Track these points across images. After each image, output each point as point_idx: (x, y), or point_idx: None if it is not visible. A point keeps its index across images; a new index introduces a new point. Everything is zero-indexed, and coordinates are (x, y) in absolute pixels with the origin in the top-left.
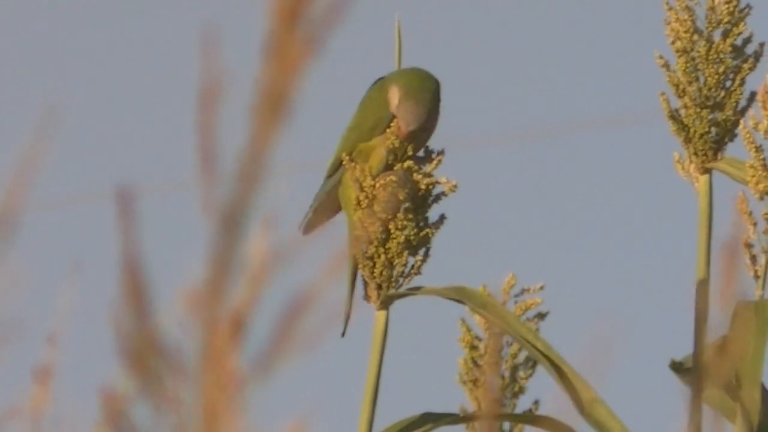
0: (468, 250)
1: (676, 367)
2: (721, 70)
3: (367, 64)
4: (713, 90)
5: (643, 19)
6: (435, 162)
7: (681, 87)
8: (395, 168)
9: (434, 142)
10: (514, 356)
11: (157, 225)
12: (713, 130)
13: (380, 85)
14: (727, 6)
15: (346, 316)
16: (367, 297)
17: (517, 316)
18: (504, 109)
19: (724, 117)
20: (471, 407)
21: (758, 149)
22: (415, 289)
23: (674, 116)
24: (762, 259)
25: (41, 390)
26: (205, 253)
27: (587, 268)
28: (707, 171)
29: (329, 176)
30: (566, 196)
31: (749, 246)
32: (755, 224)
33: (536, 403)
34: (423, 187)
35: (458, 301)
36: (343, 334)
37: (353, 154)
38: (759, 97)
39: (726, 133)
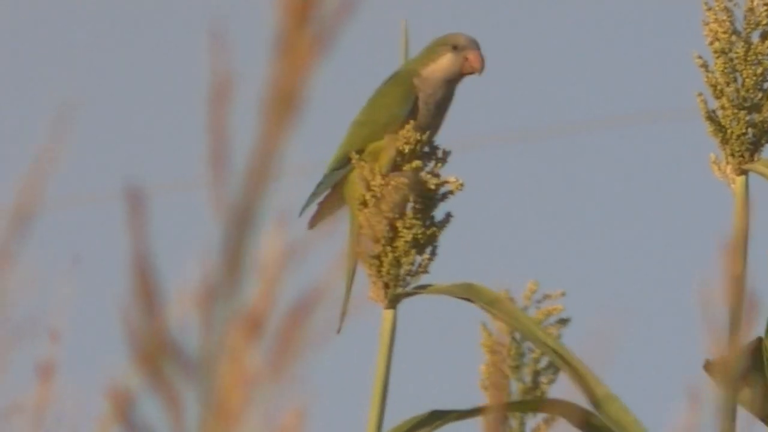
0: (476, 248)
1: (710, 367)
2: (759, 71)
3: (365, 62)
4: (751, 91)
5: (681, 18)
6: (441, 161)
7: (719, 88)
8: (404, 168)
9: (449, 140)
10: (537, 361)
11: (167, 224)
12: (750, 131)
13: (396, 79)
14: (766, 7)
15: (342, 312)
16: (372, 296)
17: (538, 321)
18: (526, 106)
19: (761, 118)
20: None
21: None
22: (423, 288)
23: (711, 117)
24: None
25: (44, 386)
26: (215, 252)
27: (613, 268)
28: (744, 172)
29: (334, 170)
30: (590, 195)
31: None
32: None
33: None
34: (431, 186)
35: (466, 299)
36: (339, 330)
37: (363, 153)
38: None
39: (763, 135)
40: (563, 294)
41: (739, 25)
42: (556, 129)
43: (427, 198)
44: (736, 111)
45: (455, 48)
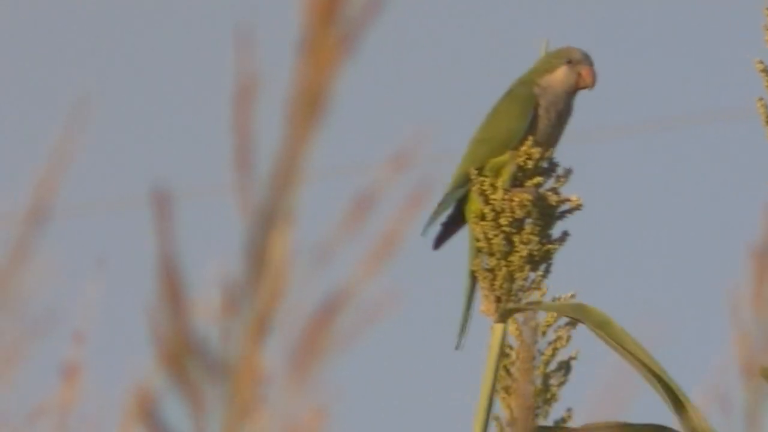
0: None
1: (766, 373)
2: None
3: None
4: None
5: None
6: (563, 179)
7: None
8: (526, 184)
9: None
10: (547, 363)
11: (194, 227)
12: None
13: (513, 95)
14: None
15: (461, 329)
16: (484, 309)
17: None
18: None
19: None
20: (503, 415)
21: None
22: (535, 304)
23: None
24: None
25: (69, 387)
26: (240, 254)
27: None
28: None
29: (455, 188)
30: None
31: None
32: None
33: (569, 410)
34: (552, 203)
35: (576, 319)
36: (457, 347)
37: (483, 170)
38: None
39: None
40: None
41: None
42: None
43: (547, 215)
44: None
45: (569, 62)
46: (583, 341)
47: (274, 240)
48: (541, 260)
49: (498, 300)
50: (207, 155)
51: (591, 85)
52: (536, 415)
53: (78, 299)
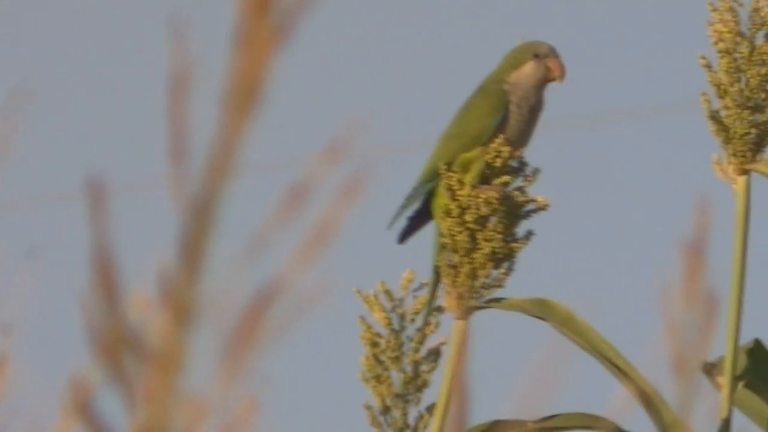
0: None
1: (708, 369)
2: (763, 71)
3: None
4: (755, 91)
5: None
6: (530, 179)
7: (722, 87)
8: (494, 182)
9: None
10: (416, 350)
11: (129, 221)
12: (753, 131)
13: (485, 90)
14: None
15: (425, 323)
16: (446, 305)
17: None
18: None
19: (764, 119)
20: (375, 404)
21: None
22: (497, 301)
23: (714, 116)
24: None
25: None
26: (176, 245)
27: (620, 264)
28: (746, 172)
29: (423, 183)
30: (599, 191)
31: None
32: None
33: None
34: (518, 203)
35: (539, 317)
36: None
37: (452, 165)
38: None
39: (766, 135)
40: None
41: (744, 26)
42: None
43: (512, 214)
44: (739, 111)
45: (536, 56)
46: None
47: (209, 231)
48: (504, 258)
49: (460, 297)
50: (142, 148)
51: (561, 77)
52: (407, 402)
53: (8, 292)
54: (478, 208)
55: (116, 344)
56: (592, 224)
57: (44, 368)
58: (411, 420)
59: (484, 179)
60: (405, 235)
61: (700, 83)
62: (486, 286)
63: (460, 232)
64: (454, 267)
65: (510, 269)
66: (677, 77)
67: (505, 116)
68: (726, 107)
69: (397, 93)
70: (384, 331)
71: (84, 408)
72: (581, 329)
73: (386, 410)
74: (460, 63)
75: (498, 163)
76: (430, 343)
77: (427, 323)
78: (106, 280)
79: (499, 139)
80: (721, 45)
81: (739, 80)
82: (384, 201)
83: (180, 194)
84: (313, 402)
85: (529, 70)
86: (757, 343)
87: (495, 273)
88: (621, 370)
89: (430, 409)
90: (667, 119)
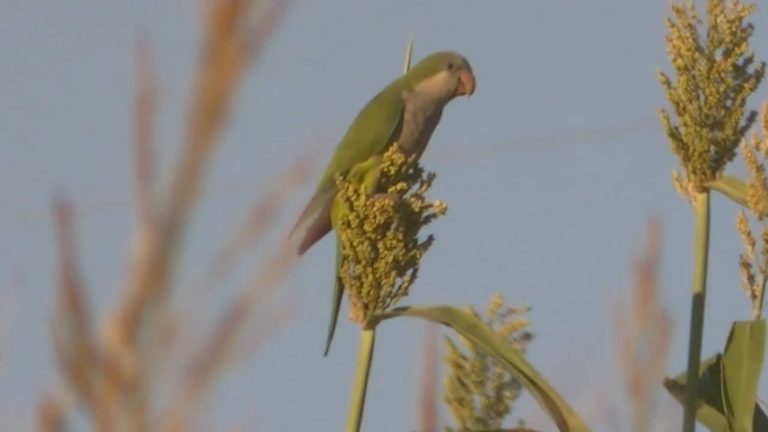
0: (453, 269)
1: (670, 385)
2: (722, 89)
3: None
4: (713, 109)
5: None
6: (426, 184)
7: (681, 105)
8: (389, 190)
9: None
10: (500, 375)
11: (96, 241)
12: (712, 149)
13: (381, 99)
14: (729, 25)
15: (329, 335)
16: (352, 316)
17: (504, 337)
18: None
19: (723, 136)
20: (455, 426)
21: (759, 169)
22: (402, 310)
23: (674, 134)
24: (759, 279)
25: None
26: (142, 264)
27: (574, 283)
28: (705, 190)
29: (320, 192)
30: (556, 211)
31: (747, 266)
32: (753, 244)
33: (521, 422)
34: (415, 209)
35: (445, 323)
36: (326, 353)
37: (348, 174)
38: (761, 116)
39: (725, 153)
40: (528, 309)
41: (703, 43)
42: (543, 141)
43: (411, 220)
44: (698, 128)
45: (450, 67)
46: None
47: (175, 249)
48: (407, 266)
49: (366, 307)
50: (108, 167)
51: (470, 92)
52: (487, 426)
53: None
54: (374, 217)
55: (84, 364)
56: (543, 243)
57: (18, 391)
58: None
59: (380, 188)
60: (305, 246)
61: (657, 102)
62: (391, 295)
63: (361, 242)
64: (357, 277)
65: (414, 276)
66: (631, 96)
67: (400, 125)
68: (685, 124)
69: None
70: (469, 354)
71: (54, 429)
72: (485, 335)
73: None
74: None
75: (392, 171)
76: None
77: (331, 333)
78: (73, 300)
79: (393, 147)
80: (679, 62)
81: (697, 97)
82: None
83: (147, 212)
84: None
85: (440, 80)
86: (719, 358)
87: (399, 281)
88: (525, 375)
89: None
90: (621, 139)
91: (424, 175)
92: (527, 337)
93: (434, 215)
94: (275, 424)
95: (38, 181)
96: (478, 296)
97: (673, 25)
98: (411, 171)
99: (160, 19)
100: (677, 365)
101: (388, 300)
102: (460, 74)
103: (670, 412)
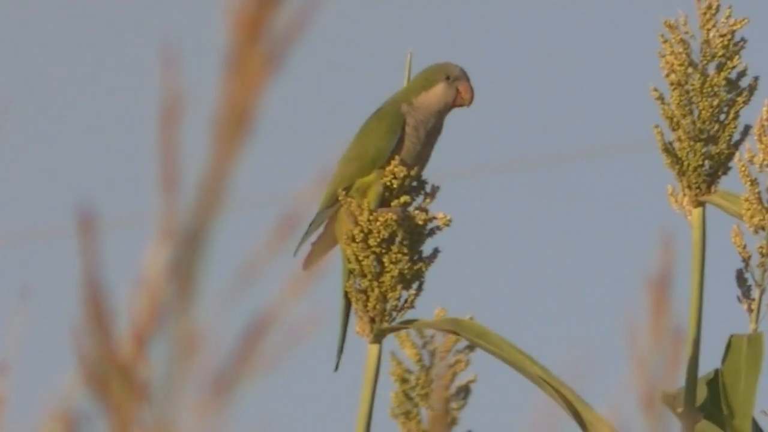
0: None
1: (668, 399)
2: (715, 103)
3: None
4: (707, 123)
5: (637, 49)
6: (430, 196)
7: (675, 120)
8: (392, 204)
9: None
10: (446, 388)
11: (119, 253)
12: (707, 163)
13: (381, 113)
14: (721, 40)
15: (339, 350)
16: (358, 330)
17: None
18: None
19: (717, 150)
20: None
21: (753, 182)
22: (409, 323)
23: (668, 149)
24: (756, 293)
25: None
26: (167, 274)
27: (587, 298)
28: (700, 204)
29: (324, 208)
30: (557, 227)
31: (743, 280)
32: (749, 258)
33: None
34: (419, 222)
35: (453, 332)
36: (336, 368)
37: (351, 189)
38: (755, 130)
39: (720, 167)
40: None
41: (696, 57)
42: (542, 160)
43: (415, 233)
44: (692, 143)
45: (448, 78)
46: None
47: (200, 261)
48: (412, 279)
49: (372, 321)
50: (132, 180)
51: (468, 102)
52: None
53: (2, 331)
54: (378, 232)
55: (107, 376)
56: (557, 258)
57: (36, 403)
58: None
59: (384, 202)
60: (309, 261)
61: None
62: (397, 308)
63: (366, 257)
64: (363, 291)
65: (420, 289)
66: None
67: (401, 138)
68: (679, 139)
69: None
70: (414, 368)
71: None
72: (496, 342)
73: None
74: None
75: (395, 184)
76: (460, 380)
77: (340, 348)
78: (97, 310)
79: (395, 161)
80: (672, 77)
81: (691, 112)
82: None
83: (171, 224)
84: None
85: (439, 92)
86: (717, 374)
87: (405, 294)
88: (541, 378)
89: None
90: (631, 156)
91: (428, 188)
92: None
93: (438, 228)
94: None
95: (62, 194)
96: (486, 310)
97: (665, 41)
98: (414, 184)
99: (184, 29)
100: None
101: (394, 313)
102: (457, 85)
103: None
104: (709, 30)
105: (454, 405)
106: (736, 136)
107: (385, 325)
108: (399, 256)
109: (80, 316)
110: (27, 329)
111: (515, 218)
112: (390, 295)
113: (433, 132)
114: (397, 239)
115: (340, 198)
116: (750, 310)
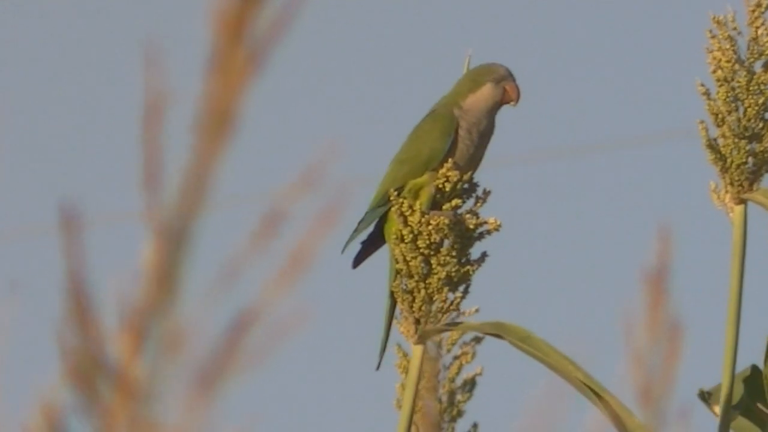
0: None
1: (705, 396)
2: (761, 101)
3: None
4: (752, 121)
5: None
6: (482, 200)
7: (720, 116)
8: (444, 207)
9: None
10: (452, 380)
11: (103, 250)
12: (750, 160)
13: (435, 115)
14: None
15: (381, 349)
16: (402, 330)
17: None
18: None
19: (762, 148)
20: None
21: None
22: (453, 325)
23: (712, 145)
24: None
25: None
26: (149, 271)
27: (585, 292)
28: (742, 201)
29: (374, 207)
30: (567, 220)
31: None
32: None
33: (475, 426)
34: (470, 226)
35: (498, 336)
36: (378, 367)
37: (403, 190)
38: None
39: (763, 164)
40: (477, 311)
41: (743, 54)
42: (580, 150)
43: (465, 237)
44: (736, 140)
45: (494, 79)
46: (489, 358)
47: (183, 259)
48: (459, 281)
49: (417, 321)
50: (115, 177)
51: (516, 101)
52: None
53: None
54: (429, 235)
55: (92, 373)
56: (554, 253)
57: (20, 397)
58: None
59: (435, 204)
60: (359, 260)
61: (673, 112)
62: (442, 310)
63: (414, 258)
64: (409, 292)
65: (466, 292)
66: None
67: (455, 141)
68: (723, 136)
69: (371, 121)
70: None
71: None
72: (539, 346)
73: None
74: (437, 94)
75: (447, 187)
76: (466, 372)
77: (383, 347)
78: (81, 309)
79: (448, 164)
80: (719, 73)
81: (736, 109)
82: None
83: (154, 221)
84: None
85: (486, 93)
86: (755, 370)
87: (451, 296)
88: (582, 383)
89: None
90: (633, 149)
91: (479, 191)
92: (477, 340)
93: (488, 232)
94: None
95: (46, 192)
96: (486, 307)
97: (713, 37)
98: (465, 187)
99: (168, 29)
100: (711, 377)
101: (439, 315)
102: (504, 84)
103: (681, 420)
104: (757, 28)
105: (460, 397)
106: None
107: (430, 326)
108: (447, 258)
109: (64, 312)
110: (14, 325)
111: (517, 212)
112: (436, 296)
113: (485, 133)
114: (447, 242)
115: (391, 198)
116: None
